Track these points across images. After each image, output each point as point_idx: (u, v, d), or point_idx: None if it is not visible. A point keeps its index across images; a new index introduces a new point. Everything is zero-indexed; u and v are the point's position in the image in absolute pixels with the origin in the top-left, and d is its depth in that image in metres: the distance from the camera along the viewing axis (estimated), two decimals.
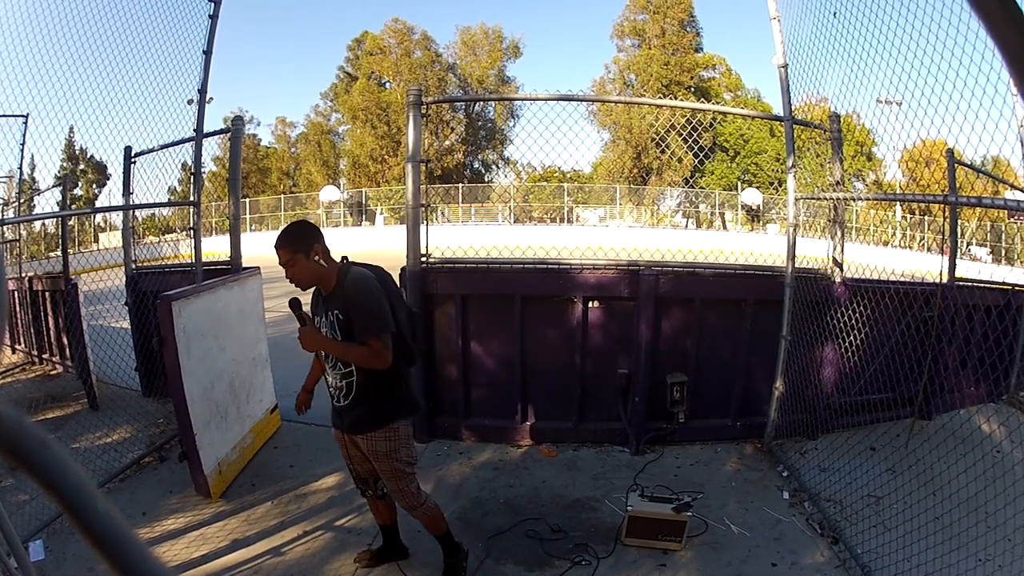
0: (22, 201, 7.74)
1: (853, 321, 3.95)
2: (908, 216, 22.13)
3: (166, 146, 4.70)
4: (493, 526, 3.35)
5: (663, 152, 23.64)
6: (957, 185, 4.81)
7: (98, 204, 22.73)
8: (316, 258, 2.42)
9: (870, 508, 3.37)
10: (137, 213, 5.62)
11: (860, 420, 4.35)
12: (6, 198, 7.70)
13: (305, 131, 34.27)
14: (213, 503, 3.56)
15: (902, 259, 13.43)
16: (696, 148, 5.11)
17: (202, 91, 4.27)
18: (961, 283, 4.81)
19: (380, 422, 2.53)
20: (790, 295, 4.14)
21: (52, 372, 6.28)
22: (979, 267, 8.06)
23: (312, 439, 4.39)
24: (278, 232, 2.46)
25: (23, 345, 6.80)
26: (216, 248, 6.19)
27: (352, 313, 2.39)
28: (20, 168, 7.05)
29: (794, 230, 4.22)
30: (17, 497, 3.46)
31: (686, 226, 28.10)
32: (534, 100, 4.45)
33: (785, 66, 4.13)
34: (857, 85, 3.52)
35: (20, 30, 4.31)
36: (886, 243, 21.69)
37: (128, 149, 4.88)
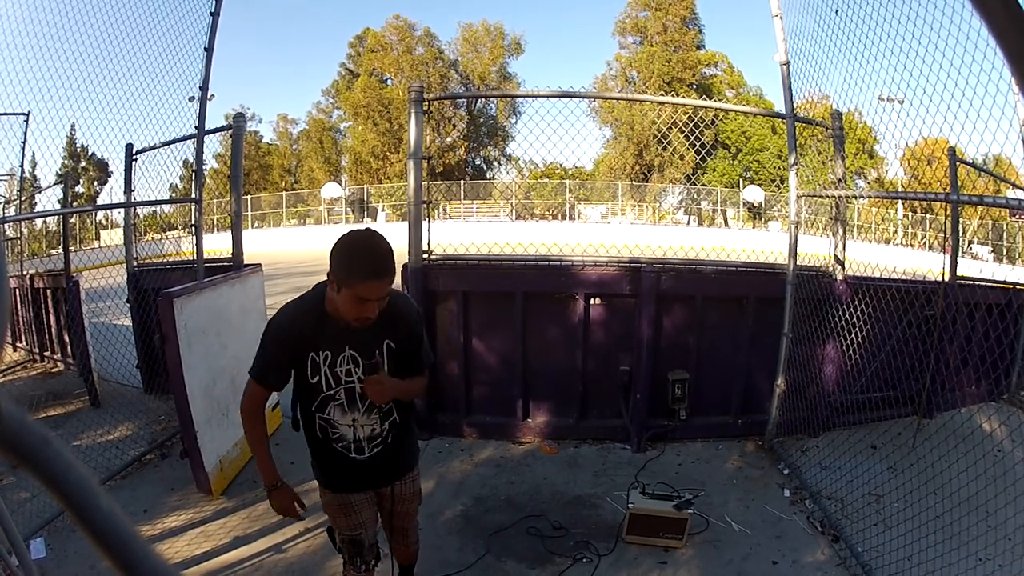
0: (23, 199, 7.75)
1: (854, 319, 3.95)
2: (910, 214, 22.11)
3: (167, 143, 4.71)
4: (494, 523, 3.35)
5: (665, 149, 23.55)
6: (959, 183, 4.80)
7: (99, 201, 22.71)
8: None
9: (871, 506, 3.38)
10: (138, 210, 5.63)
11: (861, 418, 4.35)
12: (7, 196, 7.72)
13: (307, 128, 34.25)
14: (214, 500, 3.57)
15: (904, 257, 13.40)
16: (698, 145, 5.10)
17: (203, 88, 4.26)
18: (962, 281, 4.80)
19: (416, 455, 2.30)
20: (792, 293, 4.13)
21: (53, 370, 6.29)
22: (980, 266, 8.04)
23: None
24: (374, 256, 1.78)
25: (24, 343, 6.81)
26: (217, 245, 6.18)
27: (415, 342, 2.07)
28: (21, 166, 7.06)
29: (796, 228, 4.21)
30: (18, 495, 3.47)
31: (688, 223, 28.06)
32: (536, 97, 4.45)
33: (787, 63, 4.12)
34: (859, 83, 3.52)
35: (21, 28, 4.31)
36: (888, 241, 21.65)
37: (129, 146, 4.89)
